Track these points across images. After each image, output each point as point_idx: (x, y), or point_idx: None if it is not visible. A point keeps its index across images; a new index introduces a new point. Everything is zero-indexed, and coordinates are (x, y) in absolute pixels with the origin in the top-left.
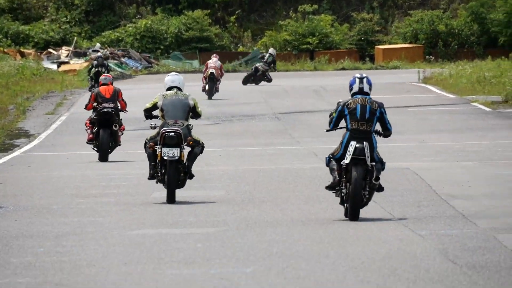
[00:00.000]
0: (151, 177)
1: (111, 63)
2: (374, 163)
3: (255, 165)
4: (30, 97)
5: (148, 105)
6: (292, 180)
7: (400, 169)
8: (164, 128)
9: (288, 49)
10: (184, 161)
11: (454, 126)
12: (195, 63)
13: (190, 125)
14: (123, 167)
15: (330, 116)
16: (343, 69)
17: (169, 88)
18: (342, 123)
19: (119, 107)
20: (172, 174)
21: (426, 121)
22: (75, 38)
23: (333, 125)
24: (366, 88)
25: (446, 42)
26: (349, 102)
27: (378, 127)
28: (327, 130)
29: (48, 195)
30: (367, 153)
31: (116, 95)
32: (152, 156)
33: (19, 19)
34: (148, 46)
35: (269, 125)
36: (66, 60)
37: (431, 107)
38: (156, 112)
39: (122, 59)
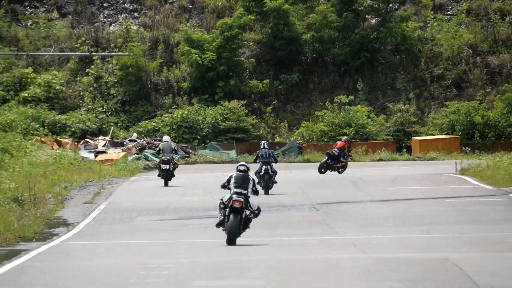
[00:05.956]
0: (159, 175)
1: (148, 153)
2: (272, 173)
3: (293, 255)
4: (68, 186)
5: (157, 149)
6: (331, 271)
7: (439, 259)
8: (163, 157)
9: (325, 139)
10: (171, 170)
11: (492, 217)
12: (232, 153)
13: (175, 157)
14: (163, 256)
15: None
16: (380, 160)
17: (164, 141)
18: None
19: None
20: (166, 175)
21: (464, 212)
22: (112, 127)
23: (255, 160)
24: (267, 146)
25: (482, 133)
26: (260, 150)
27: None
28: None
29: (87, 284)
30: (269, 169)
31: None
32: (160, 168)
33: (56, 108)
34: (185, 136)
35: (307, 215)
36: (103, 149)
37: (469, 198)
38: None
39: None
